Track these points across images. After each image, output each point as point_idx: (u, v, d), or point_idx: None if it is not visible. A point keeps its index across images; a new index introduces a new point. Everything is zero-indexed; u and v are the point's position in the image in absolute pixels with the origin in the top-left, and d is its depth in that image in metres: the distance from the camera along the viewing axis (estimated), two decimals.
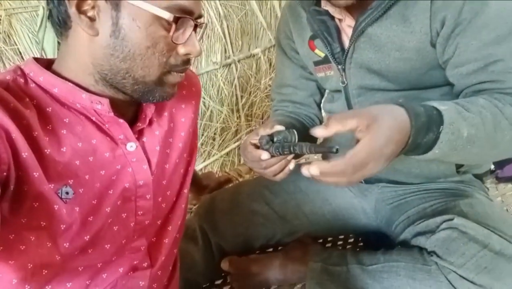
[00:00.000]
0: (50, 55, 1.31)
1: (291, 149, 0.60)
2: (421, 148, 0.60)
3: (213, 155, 1.86)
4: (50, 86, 0.53)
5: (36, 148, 0.49)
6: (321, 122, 1.03)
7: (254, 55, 1.98)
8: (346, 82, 0.84)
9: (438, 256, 0.72)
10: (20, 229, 0.51)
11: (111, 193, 0.57)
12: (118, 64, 0.52)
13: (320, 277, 0.81)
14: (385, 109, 0.58)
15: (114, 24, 0.50)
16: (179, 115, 0.68)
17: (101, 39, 0.51)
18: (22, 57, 1.27)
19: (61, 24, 0.52)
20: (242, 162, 1.93)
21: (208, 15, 1.74)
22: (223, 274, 0.96)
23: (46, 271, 0.54)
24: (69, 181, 0.53)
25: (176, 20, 0.51)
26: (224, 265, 0.92)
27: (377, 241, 0.94)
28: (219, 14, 1.78)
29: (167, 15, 0.50)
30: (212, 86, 1.80)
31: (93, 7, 0.50)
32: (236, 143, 1.97)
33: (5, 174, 0.45)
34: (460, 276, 0.69)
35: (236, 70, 1.88)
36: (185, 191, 0.72)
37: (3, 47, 1.24)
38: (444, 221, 0.76)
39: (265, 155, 0.65)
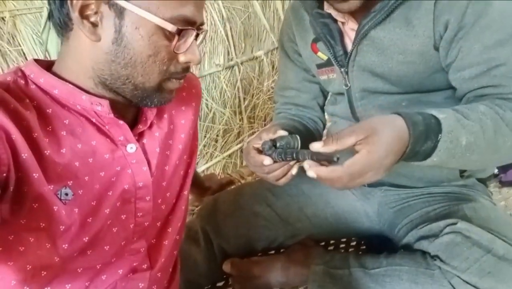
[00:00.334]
0: (54, 57, 1.31)
1: (294, 155, 0.61)
2: (419, 155, 0.61)
3: (215, 157, 1.86)
4: (51, 87, 0.53)
5: (36, 149, 0.49)
6: (324, 125, 1.03)
7: (257, 58, 1.98)
8: (349, 85, 0.84)
9: (441, 260, 0.72)
10: (20, 230, 0.51)
11: (111, 195, 0.57)
12: (119, 70, 0.52)
13: (322, 280, 0.80)
14: (383, 121, 0.59)
15: (116, 31, 0.50)
16: (179, 117, 0.68)
17: (103, 45, 0.51)
18: (26, 58, 1.28)
19: (62, 26, 0.52)
20: (244, 164, 1.93)
21: (211, 17, 1.74)
22: (225, 276, 0.96)
23: (45, 273, 0.54)
24: (69, 182, 0.52)
25: (180, 32, 0.51)
26: (226, 267, 0.92)
27: (379, 245, 0.94)
28: (222, 16, 1.78)
29: (171, 27, 0.50)
30: (215, 88, 1.80)
31: (96, 13, 0.49)
32: (239, 146, 1.97)
33: (4, 175, 0.45)
34: (464, 280, 0.68)
35: (239, 72, 1.88)
36: (185, 192, 0.72)
37: (7, 48, 1.24)
38: (448, 225, 0.75)
39: (267, 161, 0.65)
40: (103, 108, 0.54)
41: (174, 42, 0.52)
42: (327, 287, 0.79)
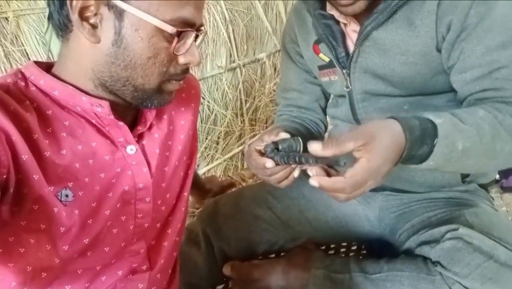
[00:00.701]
0: (57, 57, 1.32)
1: (296, 158, 0.61)
2: (415, 159, 0.61)
3: (217, 159, 1.86)
4: (51, 89, 0.53)
5: (36, 150, 0.49)
6: (326, 127, 1.03)
7: (259, 60, 1.98)
8: (350, 87, 0.84)
9: (442, 266, 0.71)
10: (20, 232, 0.51)
11: (111, 196, 0.57)
12: (118, 72, 0.52)
13: (322, 284, 0.80)
14: (381, 126, 0.59)
15: (116, 33, 0.50)
16: (178, 118, 0.68)
17: (103, 46, 0.51)
18: (29, 58, 1.28)
19: (62, 28, 0.52)
20: (245, 166, 1.92)
21: (214, 19, 1.75)
22: (225, 279, 0.95)
23: (45, 274, 0.54)
24: (69, 184, 0.52)
25: (179, 33, 0.51)
26: (226, 270, 0.91)
27: (380, 249, 0.93)
28: (225, 18, 1.78)
29: (170, 29, 0.50)
30: (217, 90, 1.81)
31: (95, 14, 0.49)
32: (240, 148, 1.97)
33: (5, 176, 0.45)
34: (465, 286, 0.68)
35: (241, 74, 1.88)
36: (185, 194, 0.72)
37: (11, 48, 1.25)
38: (449, 231, 0.75)
39: (269, 163, 0.65)
40: (103, 109, 0.54)
41: (173, 44, 0.52)
42: None
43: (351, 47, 0.81)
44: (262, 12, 1.96)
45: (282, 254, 0.99)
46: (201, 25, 0.56)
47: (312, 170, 0.61)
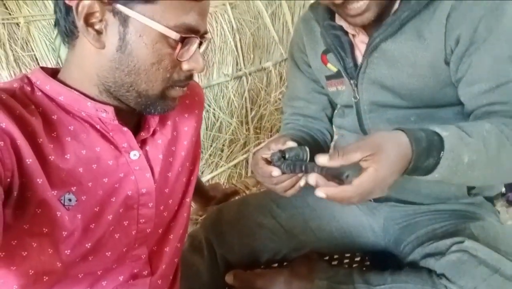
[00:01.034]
0: None
1: (303, 168, 0.61)
2: (421, 170, 0.61)
3: (221, 166, 1.86)
4: (56, 94, 0.53)
5: (40, 154, 0.49)
6: (332, 136, 1.02)
7: (265, 69, 1.98)
8: (358, 97, 0.83)
9: (447, 279, 0.70)
10: (23, 235, 0.51)
11: (114, 201, 0.57)
12: (123, 77, 0.53)
13: None
14: (388, 137, 0.60)
15: (121, 39, 0.51)
16: (182, 124, 0.69)
17: (108, 52, 0.52)
18: (38, 63, 1.30)
19: (68, 34, 0.53)
20: (249, 174, 1.92)
21: (221, 28, 1.76)
22: (227, 287, 0.95)
23: (47, 278, 0.54)
24: (72, 188, 0.53)
25: (183, 39, 0.52)
26: (229, 278, 0.91)
27: (384, 261, 0.92)
28: (232, 27, 1.80)
29: (174, 35, 0.51)
30: (223, 98, 1.81)
31: (100, 20, 0.50)
32: (244, 156, 1.97)
33: (9, 180, 0.45)
34: None
35: (247, 82, 1.89)
36: (188, 200, 0.72)
37: (21, 53, 1.26)
38: (454, 244, 0.74)
39: (276, 172, 0.65)
40: (107, 115, 0.55)
41: (177, 50, 0.53)
42: None
43: (359, 58, 0.81)
44: (269, 21, 1.97)
45: (285, 263, 0.98)
46: (206, 32, 0.56)
47: (314, 180, 0.60)
